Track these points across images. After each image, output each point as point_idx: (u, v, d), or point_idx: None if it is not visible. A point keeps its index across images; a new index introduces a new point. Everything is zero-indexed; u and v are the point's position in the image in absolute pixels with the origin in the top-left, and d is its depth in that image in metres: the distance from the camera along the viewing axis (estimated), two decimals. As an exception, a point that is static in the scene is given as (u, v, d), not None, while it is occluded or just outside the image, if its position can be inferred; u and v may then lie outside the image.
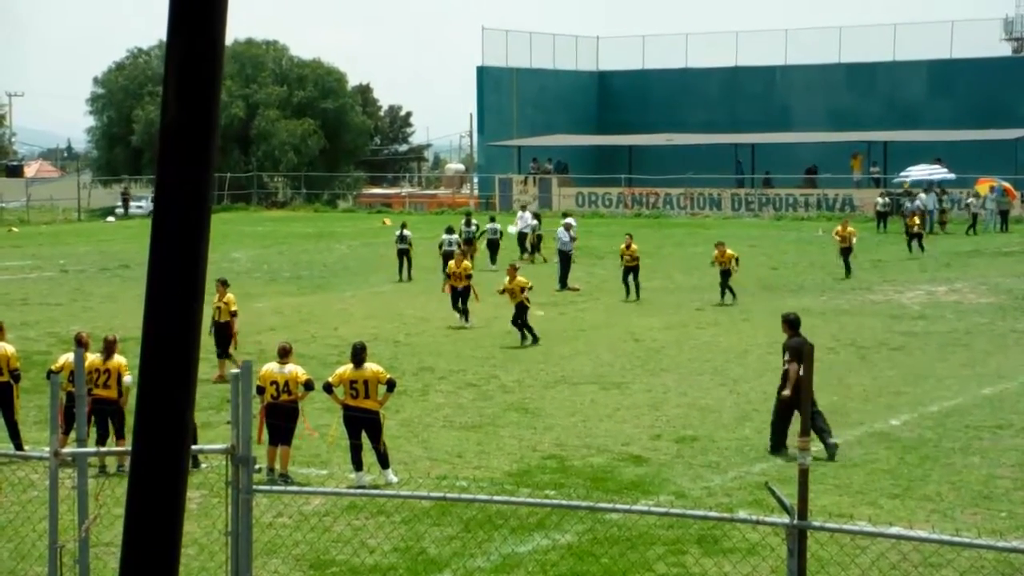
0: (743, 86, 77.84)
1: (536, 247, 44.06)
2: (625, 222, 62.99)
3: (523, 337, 25.98)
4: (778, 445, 16.64)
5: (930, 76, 72.73)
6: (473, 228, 43.36)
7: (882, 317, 29.36)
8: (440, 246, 38.90)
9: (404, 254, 39.03)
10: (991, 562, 11.85)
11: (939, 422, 18.50)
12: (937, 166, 60.99)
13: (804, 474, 7.85)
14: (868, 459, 16.37)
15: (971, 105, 69.23)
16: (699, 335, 27.21)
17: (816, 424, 15.89)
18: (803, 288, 35.17)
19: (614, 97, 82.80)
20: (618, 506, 9.69)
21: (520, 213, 46.82)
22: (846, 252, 37.38)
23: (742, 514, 11.58)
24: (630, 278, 33.33)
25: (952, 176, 59.17)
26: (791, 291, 34.40)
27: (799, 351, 16.03)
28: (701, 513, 9.88)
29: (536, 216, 46.36)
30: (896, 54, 73.79)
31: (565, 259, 36.06)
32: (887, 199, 54.44)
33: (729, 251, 32.32)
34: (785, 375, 16.63)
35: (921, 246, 44.03)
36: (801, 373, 15.22)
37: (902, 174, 60.38)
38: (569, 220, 38.60)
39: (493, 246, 43.02)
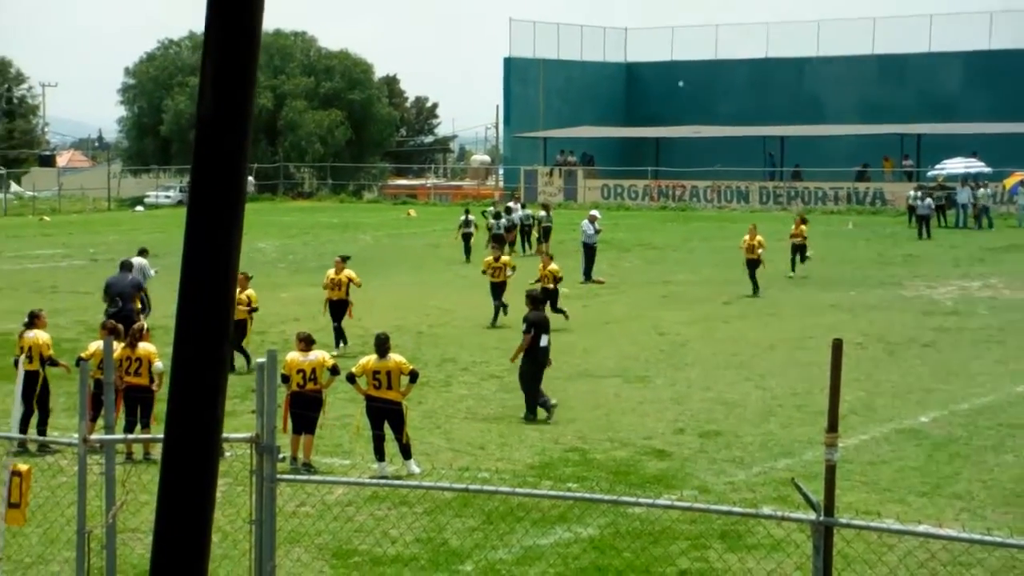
0: (773, 78, 77.42)
1: (543, 238, 44.04)
2: (651, 215, 62.92)
3: (497, 317, 27.33)
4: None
5: (967, 68, 71.95)
6: (515, 217, 43.78)
7: (913, 313, 29.21)
8: (459, 227, 42.22)
9: (468, 238, 42.06)
10: None
11: (971, 420, 18.38)
12: (973, 160, 60.46)
13: (831, 470, 7.82)
14: (896, 456, 16.29)
15: (1010, 98, 68.38)
16: (724, 329, 27.15)
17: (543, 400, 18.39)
18: (832, 282, 35.04)
19: (642, 89, 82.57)
20: (641, 500, 9.68)
21: (510, 204, 46.86)
22: (798, 249, 35.84)
23: (767, 510, 11.57)
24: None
25: (988, 170, 58.64)
26: (820, 285, 34.28)
27: (536, 324, 18.67)
28: (725, 508, 9.89)
29: (545, 207, 46.29)
30: (932, 45, 73.17)
31: (589, 252, 36.01)
32: (928, 199, 50.56)
33: (759, 236, 32.34)
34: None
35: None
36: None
37: (936, 167, 59.96)
38: (594, 212, 38.55)
39: (525, 233, 44.27)
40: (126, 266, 23.93)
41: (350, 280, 24.51)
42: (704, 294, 32.47)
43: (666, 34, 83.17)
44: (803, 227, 36.07)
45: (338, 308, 24.32)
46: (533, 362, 18.48)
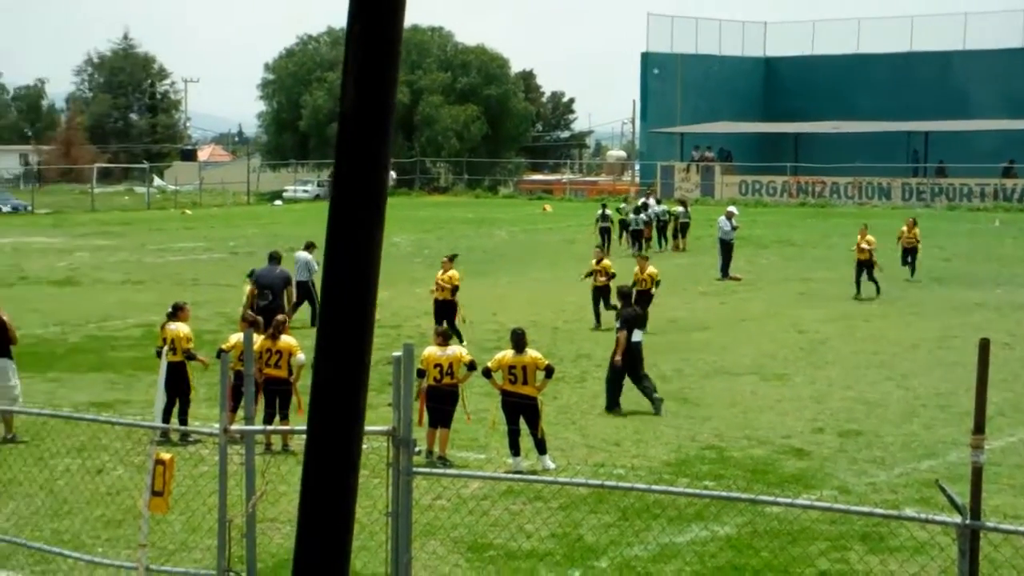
0: (917, 72, 75.76)
1: (681, 235, 43.77)
2: (789, 211, 62.14)
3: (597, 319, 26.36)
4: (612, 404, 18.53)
5: (1121, 60, 69.57)
6: (651, 212, 43.60)
7: (1063, 313, 28.31)
8: (597, 222, 41.99)
9: (606, 232, 42.14)
10: None
11: (1119, 422, 17.75)
12: None
13: (978, 472, 7.59)
14: (1043, 459, 15.79)
15: None
16: (865, 328, 26.63)
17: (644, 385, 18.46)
18: (977, 280, 34.16)
19: (781, 83, 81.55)
20: (779, 499, 9.51)
21: (647, 200, 46.65)
22: (909, 253, 34.27)
23: (910, 512, 11.27)
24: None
25: None
26: (964, 284, 33.45)
27: (628, 320, 18.63)
28: (867, 509, 9.66)
29: (683, 203, 46.18)
30: (1085, 38, 70.89)
31: (726, 248, 35.64)
32: None
33: (870, 236, 31.56)
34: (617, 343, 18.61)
35: None
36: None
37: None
38: (731, 208, 38.15)
39: (661, 229, 44.03)
40: (274, 258, 23.92)
41: (452, 280, 23.81)
42: (843, 292, 31.88)
43: (806, 28, 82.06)
44: (916, 231, 34.54)
45: (444, 309, 23.65)
46: (627, 358, 18.49)
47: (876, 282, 31.13)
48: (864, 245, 31.21)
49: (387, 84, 4.87)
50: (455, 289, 23.83)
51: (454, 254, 25.32)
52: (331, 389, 5.01)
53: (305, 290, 25.75)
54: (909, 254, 34.21)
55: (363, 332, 4.99)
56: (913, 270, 34.10)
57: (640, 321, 19.28)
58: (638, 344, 18.74)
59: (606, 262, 26.99)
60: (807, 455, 16.08)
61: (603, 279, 26.21)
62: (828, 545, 12.14)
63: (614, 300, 22.01)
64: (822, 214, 59.07)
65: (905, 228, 34.76)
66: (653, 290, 25.48)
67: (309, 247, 26.72)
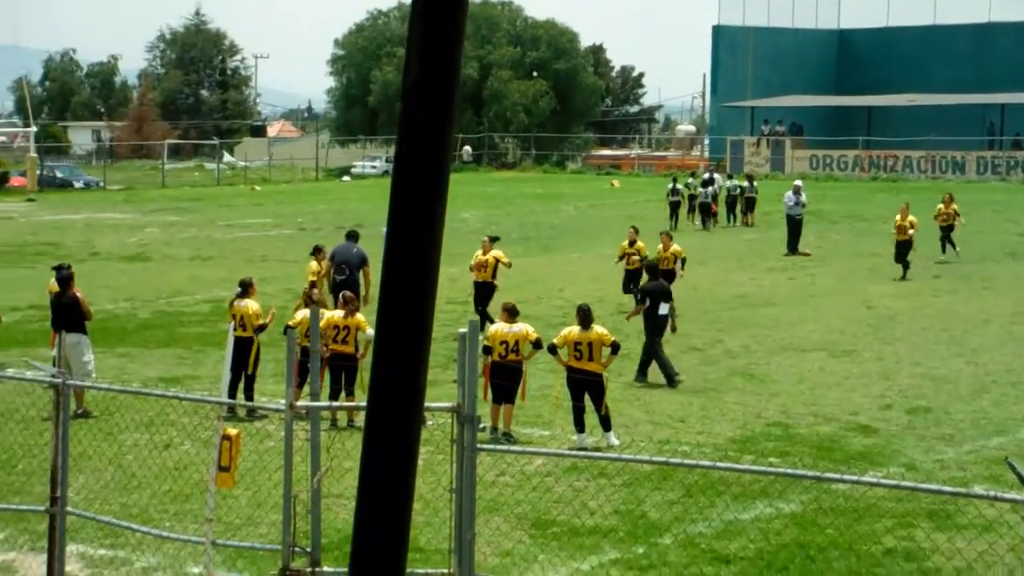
0: (996, 43, 74.37)
1: (749, 210, 43.44)
2: (861, 186, 61.49)
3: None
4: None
5: None
6: (715, 187, 43.33)
7: None
8: (667, 196, 41.72)
9: (675, 207, 42.32)
10: None
11: None
12: None
13: (1045, 452, 7.47)
14: (1116, 437, 15.53)
15: None
16: (935, 303, 26.31)
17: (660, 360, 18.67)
18: (1051, 256, 33.62)
19: (854, 56, 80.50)
20: (846, 476, 9.41)
21: (713, 175, 46.35)
22: (947, 231, 32.56)
23: (978, 489, 11.13)
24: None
25: None
26: (1037, 259, 32.92)
27: (651, 293, 18.95)
28: (935, 487, 9.51)
29: (749, 178, 45.85)
30: None
31: (792, 224, 35.29)
32: None
33: (955, 206, 30.91)
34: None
35: None
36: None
37: None
38: (797, 183, 37.78)
39: (730, 204, 43.78)
40: (352, 235, 23.78)
41: (498, 261, 22.92)
42: (914, 267, 31.49)
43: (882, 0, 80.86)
44: (953, 206, 32.64)
45: (484, 291, 22.82)
46: (651, 330, 18.73)
47: (907, 265, 29.79)
48: (906, 224, 30.08)
49: (451, 59, 4.84)
50: (496, 270, 22.85)
51: (495, 236, 24.23)
52: (392, 365, 5.01)
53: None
54: (946, 232, 32.53)
55: (424, 308, 4.98)
56: (951, 246, 32.37)
57: (666, 294, 19.23)
58: (664, 317, 18.96)
59: (640, 243, 25.60)
60: (874, 432, 15.93)
61: (636, 260, 24.99)
62: (895, 522, 12.02)
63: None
64: (894, 189, 58.32)
65: (942, 204, 32.92)
66: (677, 268, 24.28)
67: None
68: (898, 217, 30.79)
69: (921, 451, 15.02)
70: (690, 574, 10.93)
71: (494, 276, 22.91)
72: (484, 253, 23.05)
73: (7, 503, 12.13)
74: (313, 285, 22.07)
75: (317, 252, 23.13)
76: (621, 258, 25.85)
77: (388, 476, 5.07)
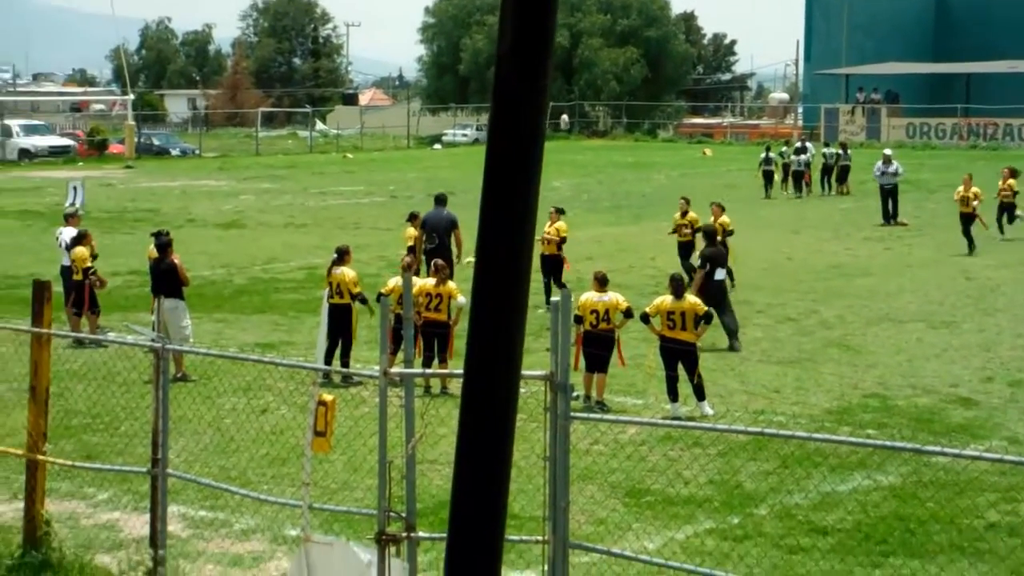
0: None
1: (842, 179, 42.84)
2: (959, 154, 60.39)
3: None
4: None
5: None
6: (808, 156, 42.80)
7: None
8: (760, 164, 41.63)
9: (769, 176, 42.04)
10: None
11: None
12: None
13: None
14: None
15: None
16: (1038, 274, 25.77)
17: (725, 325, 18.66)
18: None
19: (953, 22, 78.92)
20: (947, 449, 9.24)
21: (802, 142, 45.77)
22: (1006, 208, 30.29)
23: (1083, 464, 10.89)
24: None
25: None
26: None
27: (710, 258, 19.09)
28: (1039, 462, 9.34)
29: (843, 146, 45.21)
30: None
31: (884, 193, 34.71)
32: None
33: (975, 187, 28.98)
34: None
35: None
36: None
37: None
38: (887, 151, 37.13)
39: (827, 172, 43.14)
40: (440, 200, 23.65)
41: (560, 235, 22.20)
42: (1016, 237, 30.85)
43: (981, -36, 79.16)
44: (1012, 181, 30.43)
45: (551, 264, 22.18)
46: (708, 296, 17.78)
47: (971, 240, 28.55)
48: (969, 196, 28.79)
49: (544, 26, 4.78)
50: (562, 242, 22.32)
51: (561, 208, 23.30)
52: (488, 333, 4.98)
53: None
54: (1005, 210, 30.58)
55: (519, 276, 4.94)
56: (1010, 221, 30.54)
57: (722, 259, 19.40)
58: (720, 282, 19.15)
59: (693, 214, 24.95)
60: (975, 404, 15.65)
61: (688, 232, 24.61)
62: (998, 496, 11.80)
63: (694, 258, 21.84)
64: (994, 157, 57.16)
65: (1001, 180, 30.92)
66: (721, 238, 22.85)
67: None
68: (960, 188, 29.38)
69: None
70: (787, 545, 10.82)
71: (560, 248, 22.35)
72: (551, 224, 22.39)
73: (111, 464, 12.35)
74: (411, 251, 22.13)
75: (413, 218, 23.15)
76: (674, 230, 25.37)
77: (485, 443, 5.05)
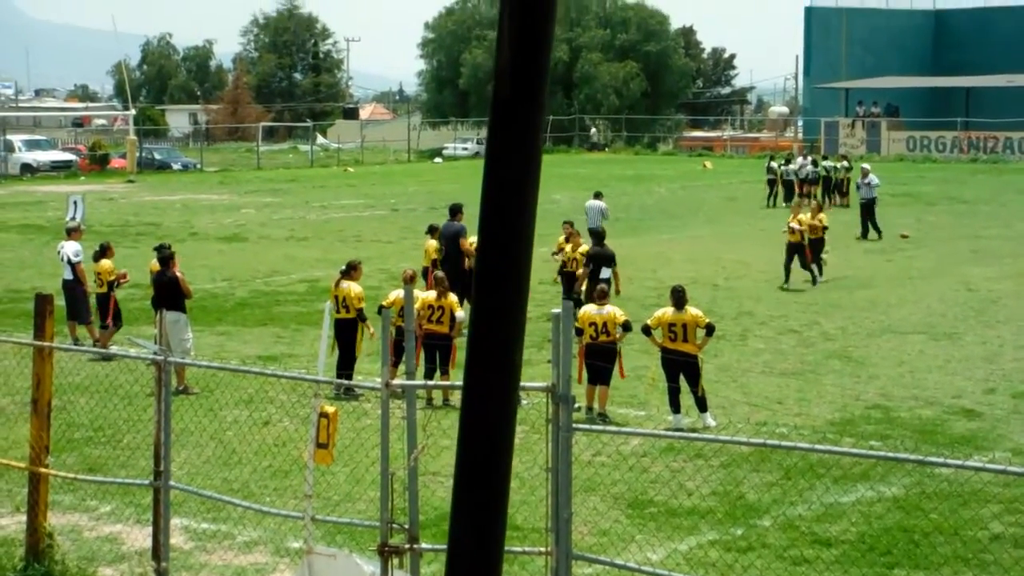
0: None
1: (844, 191, 42.94)
2: (959, 167, 60.43)
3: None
4: None
5: None
6: (807, 170, 42.87)
7: None
8: (769, 172, 42.05)
9: (773, 184, 43.16)
10: None
11: None
12: None
13: None
14: None
15: None
16: (1039, 286, 25.75)
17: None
18: None
19: (951, 37, 79.06)
20: (949, 460, 9.23)
21: (799, 158, 46.02)
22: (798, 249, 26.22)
23: (1087, 476, 10.87)
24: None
25: None
26: None
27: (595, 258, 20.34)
28: (1043, 473, 9.32)
29: (845, 158, 45.45)
30: None
31: (861, 207, 34.72)
32: None
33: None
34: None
35: None
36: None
37: None
38: (864, 166, 37.12)
39: (827, 185, 43.31)
40: (453, 211, 23.35)
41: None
42: (1017, 249, 30.88)
43: (979, -21, 79.39)
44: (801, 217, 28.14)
45: (571, 279, 21.51)
46: (588, 293, 18.74)
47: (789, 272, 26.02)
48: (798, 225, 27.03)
49: (542, 42, 4.80)
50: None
51: (571, 222, 22.97)
52: (487, 344, 4.98)
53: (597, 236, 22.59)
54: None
55: (518, 289, 4.95)
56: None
57: (606, 259, 20.65)
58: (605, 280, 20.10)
59: (802, 216, 26.30)
60: (978, 416, 15.63)
61: (796, 234, 25.81)
62: (1002, 508, 11.78)
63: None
64: (995, 170, 57.25)
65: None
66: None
67: (598, 195, 29.41)
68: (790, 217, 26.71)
69: (1026, 436, 14.70)
70: (790, 556, 10.80)
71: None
72: (568, 241, 22.05)
73: (113, 476, 12.33)
74: (435, 264, 21.70)
75: (432, 231, 22.96)
76: (784, 231, 26.52)
77: (484, 455, 5.05)
